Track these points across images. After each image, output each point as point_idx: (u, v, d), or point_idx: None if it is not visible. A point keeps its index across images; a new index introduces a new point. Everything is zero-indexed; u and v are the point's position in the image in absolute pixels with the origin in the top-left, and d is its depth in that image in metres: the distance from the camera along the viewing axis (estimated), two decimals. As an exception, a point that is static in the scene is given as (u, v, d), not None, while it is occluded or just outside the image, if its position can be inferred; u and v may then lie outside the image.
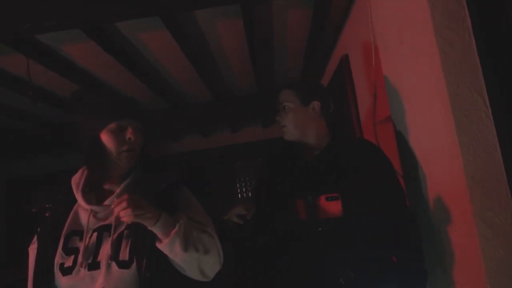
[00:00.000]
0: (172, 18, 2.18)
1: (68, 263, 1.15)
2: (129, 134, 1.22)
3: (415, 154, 1.48)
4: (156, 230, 1.11)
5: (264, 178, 1.69)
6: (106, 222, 1.20)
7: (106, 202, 1.22)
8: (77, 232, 1.20)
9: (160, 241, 1.12)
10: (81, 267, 1.13)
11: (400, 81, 1.55)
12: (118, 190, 1.22)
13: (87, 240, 1.17)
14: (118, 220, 1.14)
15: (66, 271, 1.14)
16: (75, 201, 1.26)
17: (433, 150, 1.32)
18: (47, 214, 1.26)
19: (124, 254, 1.13)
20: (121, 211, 1.04)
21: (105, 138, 1.22)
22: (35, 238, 1.25)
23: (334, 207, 1.37)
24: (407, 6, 1.37)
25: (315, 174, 1.48)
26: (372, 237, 1.35)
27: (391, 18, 1.59)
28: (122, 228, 1.18)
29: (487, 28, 1.09)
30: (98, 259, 1.14)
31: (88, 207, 1.22)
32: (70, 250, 1.17)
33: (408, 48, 1.42)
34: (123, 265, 1.12)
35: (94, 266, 1.13)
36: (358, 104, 2.37)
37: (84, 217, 1.22)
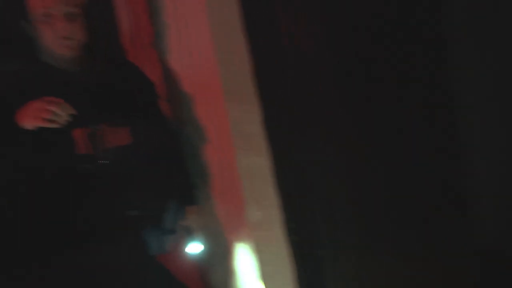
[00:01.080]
0: None
1: None
2: None
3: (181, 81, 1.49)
4: None
5: None
6: None
7: None
8: None
9: None
10: None
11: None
12: None
13: None
14: None
15: None
16: None
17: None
18: None
19: None
20: None
21: None
22: None
23: (118, 136, 1.25)
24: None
25: (81, 99, 1.24)
26: (150, 165, 1.35)
27: None
28: None
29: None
30: None
31: None
32: None
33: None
34: None
35: None
36: (121, 26, 2.01)
37: None
